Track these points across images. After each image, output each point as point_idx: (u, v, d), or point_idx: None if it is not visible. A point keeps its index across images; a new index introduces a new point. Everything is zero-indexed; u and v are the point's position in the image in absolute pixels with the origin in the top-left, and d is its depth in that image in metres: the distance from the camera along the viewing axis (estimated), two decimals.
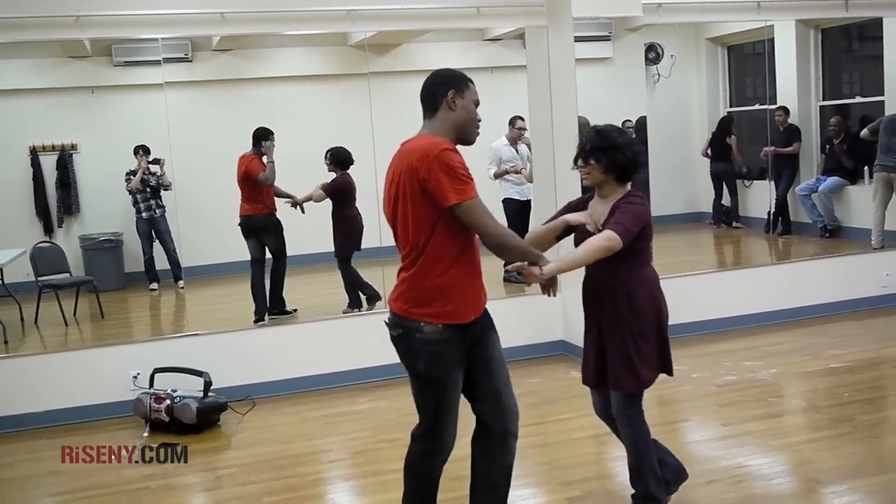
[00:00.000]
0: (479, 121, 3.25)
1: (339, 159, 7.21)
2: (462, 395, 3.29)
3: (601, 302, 3.57)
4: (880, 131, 7.95)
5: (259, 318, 6.92)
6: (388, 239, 3.34)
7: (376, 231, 6.13)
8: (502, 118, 8.14)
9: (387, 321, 3.26)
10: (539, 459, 4.59)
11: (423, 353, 3.16)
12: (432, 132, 3.17)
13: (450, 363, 3.17)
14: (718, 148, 9.54)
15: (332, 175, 7.23)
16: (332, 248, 7.23)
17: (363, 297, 7.10)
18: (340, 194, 7.19)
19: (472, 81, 3.26)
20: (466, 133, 3.21)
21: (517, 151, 8.10)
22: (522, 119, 7.88)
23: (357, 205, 7.19)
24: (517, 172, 8.05)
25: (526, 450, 4.69)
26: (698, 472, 4.23)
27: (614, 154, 3.50)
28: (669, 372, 3.65)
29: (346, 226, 7.22)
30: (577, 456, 4.62)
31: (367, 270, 7.04)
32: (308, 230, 7.33)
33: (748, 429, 4.82)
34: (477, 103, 3.25)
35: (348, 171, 7.20)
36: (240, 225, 7.12)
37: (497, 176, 8.06)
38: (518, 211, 8.09)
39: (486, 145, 8.09)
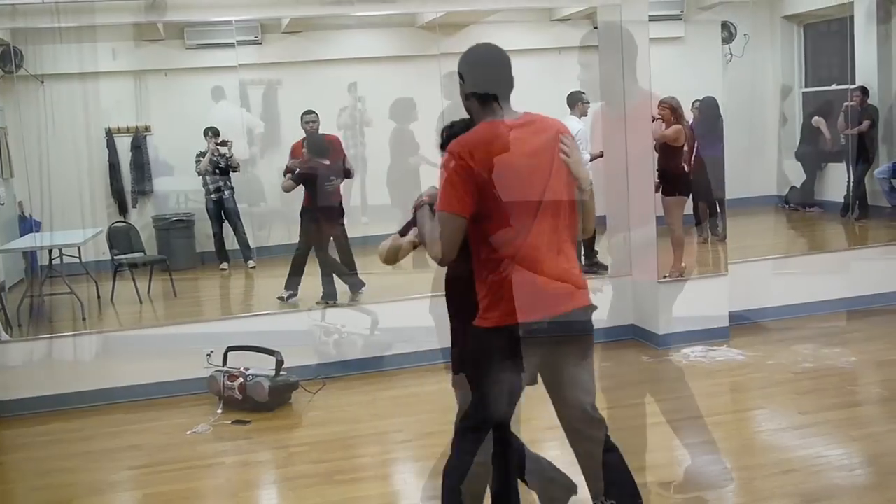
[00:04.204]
0: None
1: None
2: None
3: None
4: None
5: None
6: None
7: None
8: None
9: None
10: None
11: None
12: None
13: None
14: (806, 130, 9.38)
15: None
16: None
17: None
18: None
19: None
20: None
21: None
22: (583, 93, 7.73)
23: None
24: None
25: None
26: (775, 461, 4.15)
27: None
28: None
29: None
30: (650, 441, 4.55)
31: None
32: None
33: (826, 418, 4.69)
34: None
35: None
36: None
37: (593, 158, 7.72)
38: None
39: None
